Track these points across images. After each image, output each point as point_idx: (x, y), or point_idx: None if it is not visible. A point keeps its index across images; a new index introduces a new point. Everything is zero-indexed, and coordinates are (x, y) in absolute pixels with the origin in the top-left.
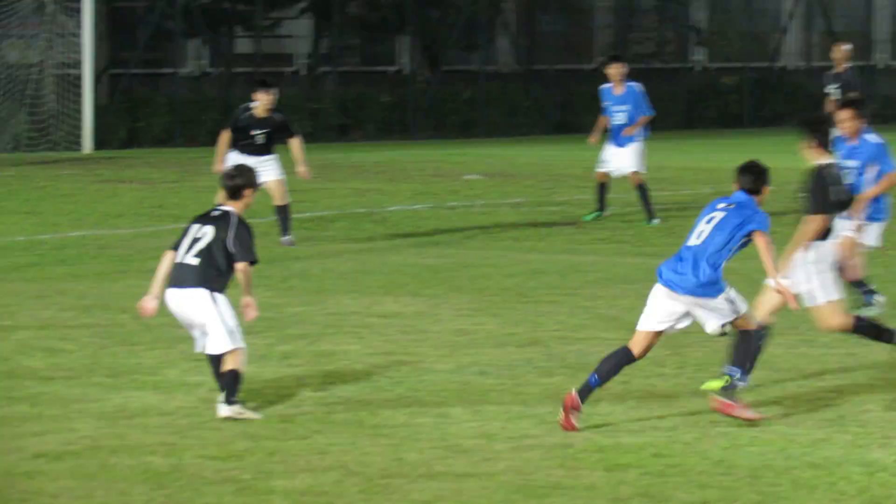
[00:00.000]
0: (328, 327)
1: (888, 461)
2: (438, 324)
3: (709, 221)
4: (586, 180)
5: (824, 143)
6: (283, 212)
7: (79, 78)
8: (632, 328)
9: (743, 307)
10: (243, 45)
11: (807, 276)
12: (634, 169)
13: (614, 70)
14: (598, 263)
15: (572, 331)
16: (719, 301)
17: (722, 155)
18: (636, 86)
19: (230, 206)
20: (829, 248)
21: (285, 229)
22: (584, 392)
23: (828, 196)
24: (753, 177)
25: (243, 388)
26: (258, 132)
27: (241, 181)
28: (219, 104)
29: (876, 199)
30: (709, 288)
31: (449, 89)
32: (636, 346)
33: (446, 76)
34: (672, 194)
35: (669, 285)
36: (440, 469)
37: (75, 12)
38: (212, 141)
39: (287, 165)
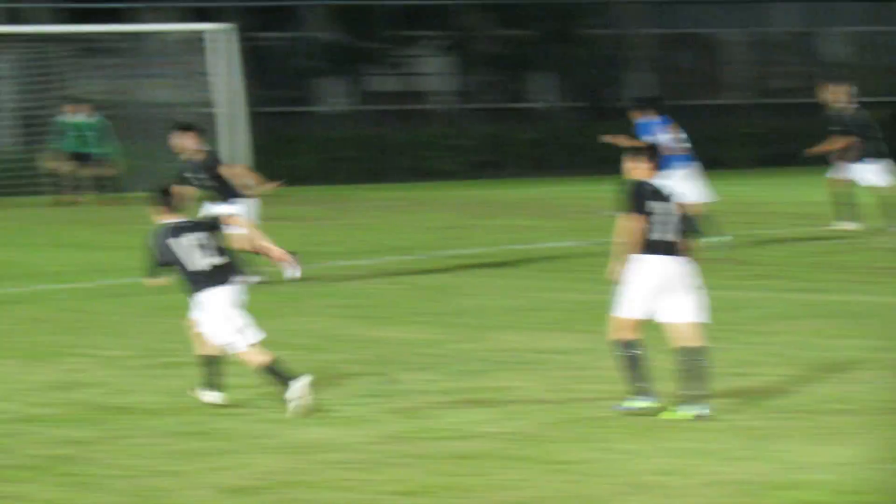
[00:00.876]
0: (490, 364)
1: None
2: (599, 360)
3: None
4: (735, 215)
5: None
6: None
7: (217, 118)
8: (801, 364)
9: None
10: (382, 83)
11: None
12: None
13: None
14: (760, 299)
15: (742, 367)
16: None
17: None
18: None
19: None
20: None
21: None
22: None
23: None
24: None
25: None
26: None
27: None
28: (359, 142)
29: None
30: None
31: (588, 125)
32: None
33: (583, 112)
34: (818, 230)
35: None
36: None
37: (214, 52)
38: (351, 178)
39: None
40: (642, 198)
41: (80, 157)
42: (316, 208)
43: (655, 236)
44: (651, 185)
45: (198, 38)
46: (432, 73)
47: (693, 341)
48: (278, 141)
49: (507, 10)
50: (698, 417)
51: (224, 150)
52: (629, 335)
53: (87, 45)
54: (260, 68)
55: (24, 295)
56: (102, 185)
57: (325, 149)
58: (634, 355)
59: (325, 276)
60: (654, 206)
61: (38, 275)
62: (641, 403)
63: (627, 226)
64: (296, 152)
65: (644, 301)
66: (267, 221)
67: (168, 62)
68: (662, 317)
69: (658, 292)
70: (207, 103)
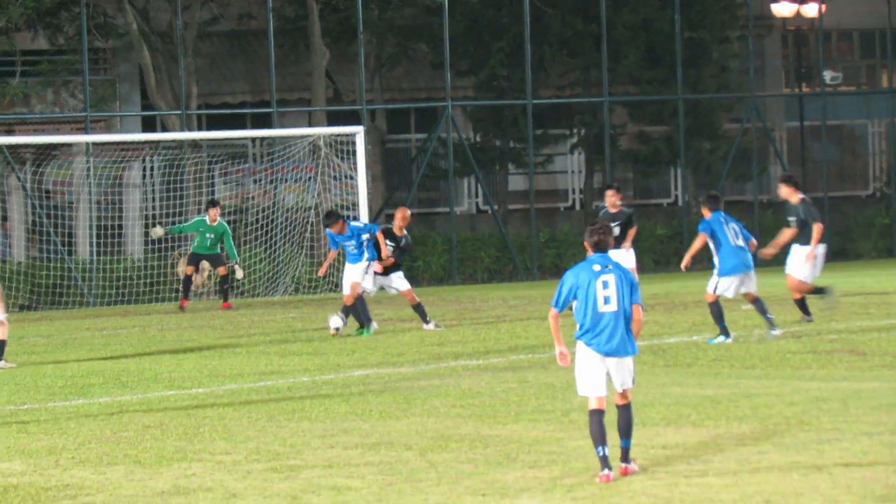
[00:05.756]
0: (612, 460)
1: None
2: (720, 453)
3: None
4: (864, 307)
5: None
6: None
7: (356, 219)
8: None
9: None
10: (516, 182)
11: None
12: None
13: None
14: (881, 390)
15: (856, 457)
16: None
17: None
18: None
19: None
20: None
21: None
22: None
23: None
24: None
25: None
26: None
27: None
28: (495, 241)
29: None
30: None
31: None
32: None
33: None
34: None
35: None
36: None
37: (349, 154)
38: (489, 278)
39: None
40: None
41: (211, 260)
42: (440, 309)
43: None
44: None
45: (332, 140)
46: (566, 171)
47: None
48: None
49: (647, 105)
50: None
51: None
52: None
53: (221, 150)
54: (393, 170)
55: (144, 402)
56: (224, 290)
57: (455, 249)
58: None
59: (444, 374)
60: None
61: (158, 381)
62: None
63: None
64: (424, 253)
65: None
66: (389, 322)
67: (296, 166)
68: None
69: None
70: (344, 205)
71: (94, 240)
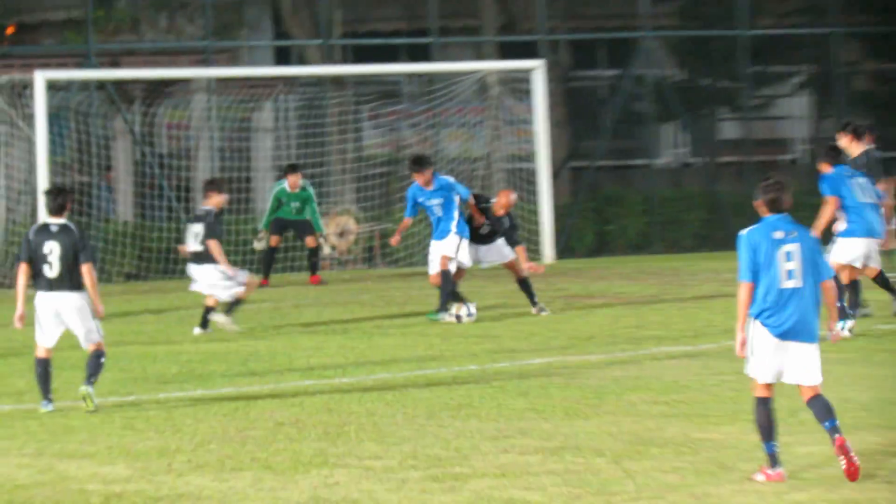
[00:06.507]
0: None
1: None
2: None
3: None
4: None
5: None
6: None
7: (534, 174)
8: None
9: None
10: (729, 130)
11: None
12: None
13: None
14: None
15: None
16: None
17: None
18: None
19: None
20: None
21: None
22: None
23: None
24: None
25: None
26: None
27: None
28: (704, 201)
29: None
30: None
31: None
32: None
33: None
34: None
35: None
36: None
37: (525, 94)
38: (697, 245)
39: None
40: None
41: (298, 228)
42: (638, 284)
43: None
44: None
45: (505, 77)
46: (790, 116)
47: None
48: (598, 201)
49: (887, 38)
50: None
51: (525, 211)
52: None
53: (370, 89)
54: (581, 115)
55: (276, 393)
56: (314, 263)
57: (655, 211)
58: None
59: (643, 363)
60: None
61: (293, 368)
62: None
63: None
64: (617, 215)
65: None
66: (576, 299)
67: (461, 108)
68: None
69: None
70: (520, 157)
71: None
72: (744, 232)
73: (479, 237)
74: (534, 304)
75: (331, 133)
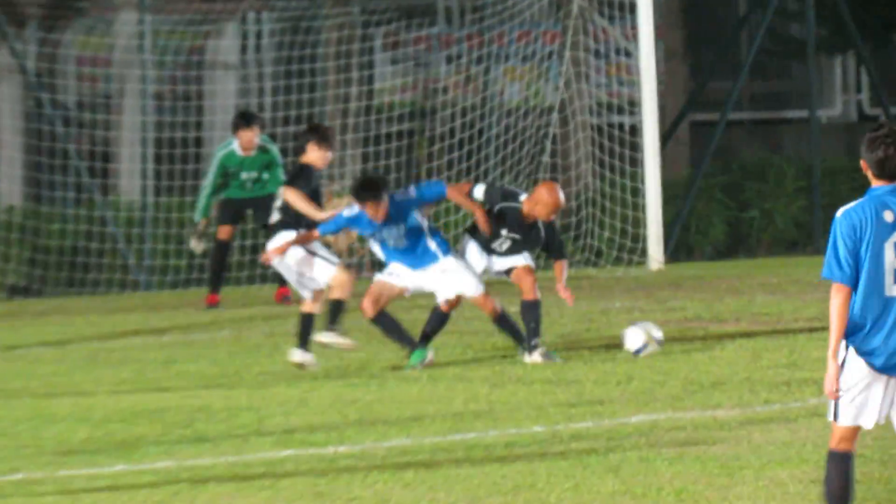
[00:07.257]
0: None
1: None
2: None
3: None
4: None
5: None
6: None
7: (635, 132)
8: None
9: None
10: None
11: None
12: None
13: None
14: None
15: None
16: None
17: None
18: None
19: None
20: None
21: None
22: None
23: None
24: None
25: None
26: None
27: None
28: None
29: None
30: None
31: None
32: None
33: None
34: None
35: None
36: None
37: (623, 11)
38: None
39: None
40: None
41: (256, 207)
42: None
43: None
44: None
45: None
46: None
47: None
48: (732, 173)
49: None
50: None
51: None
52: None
53: (386, 4)
54: (704, 39)
55: (237, 470)
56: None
57: (818, 188)
58: None
59: (794, 421)
60: None
61: (258, 434)
62: None
63: None
64: (761, 195)
65: None
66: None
67: (526, 32)
68: None
69: None
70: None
71: (152, 164)
72: (840, 212)
73: (491, 251)
74: (523, 343)
75: (326, 70)
